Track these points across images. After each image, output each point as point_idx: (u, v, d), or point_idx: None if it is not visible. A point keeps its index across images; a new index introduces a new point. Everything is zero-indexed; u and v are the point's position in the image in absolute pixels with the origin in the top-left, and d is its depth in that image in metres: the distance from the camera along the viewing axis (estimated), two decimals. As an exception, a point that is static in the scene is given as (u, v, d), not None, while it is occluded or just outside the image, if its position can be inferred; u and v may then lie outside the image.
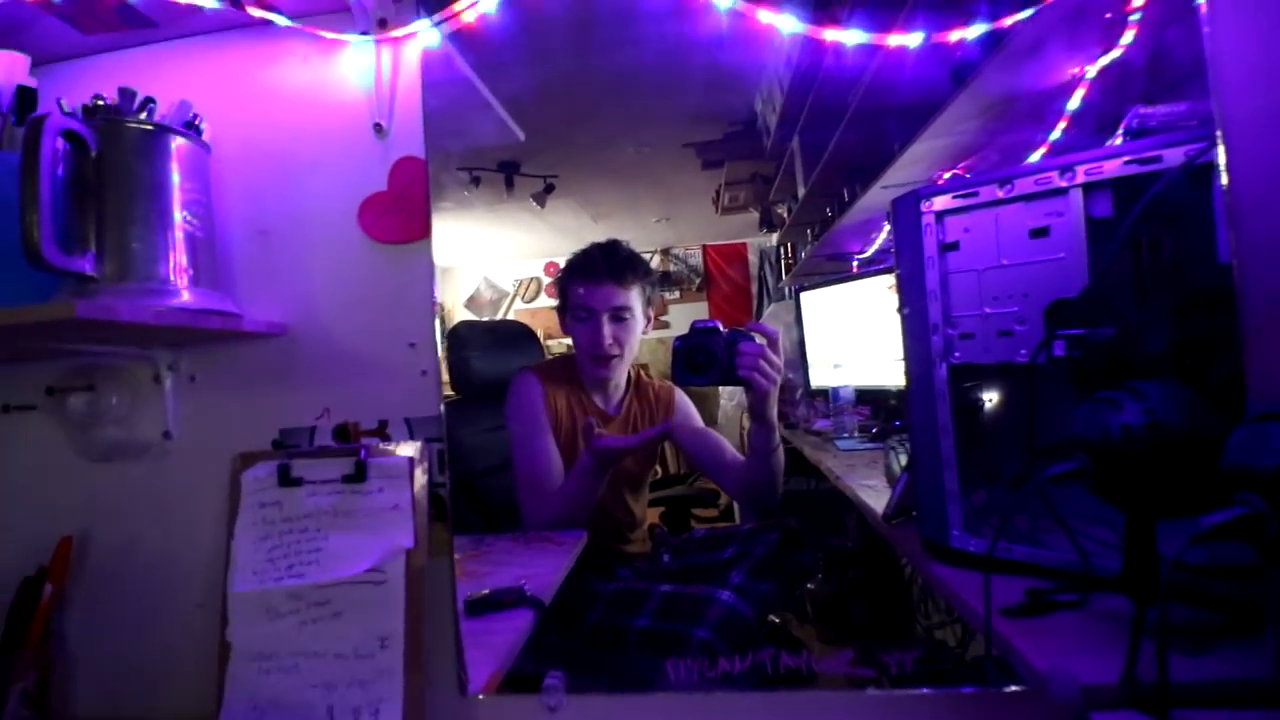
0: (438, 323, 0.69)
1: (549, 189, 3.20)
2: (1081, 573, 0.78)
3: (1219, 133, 0.59)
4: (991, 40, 0.74)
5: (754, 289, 4.45)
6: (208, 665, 0.67)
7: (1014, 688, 0.60)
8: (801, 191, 2.39)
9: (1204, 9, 0.60)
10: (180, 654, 0.72)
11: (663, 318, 4.61)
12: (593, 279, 1.31)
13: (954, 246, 0.91)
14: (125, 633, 0.74)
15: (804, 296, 2.34)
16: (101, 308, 0.49)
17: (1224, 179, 0.58)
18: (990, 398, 0.96)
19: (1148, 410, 0.63)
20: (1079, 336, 0.80)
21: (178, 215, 0.62)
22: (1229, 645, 0.65)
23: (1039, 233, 0.84)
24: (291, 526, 0.68)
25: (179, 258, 0.62)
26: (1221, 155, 0.59)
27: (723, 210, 3.56)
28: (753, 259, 4.46)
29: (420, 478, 0.67)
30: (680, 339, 1.14)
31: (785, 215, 2.94)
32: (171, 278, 0.61)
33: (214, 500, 0.72)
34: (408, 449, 0.68)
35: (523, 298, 4.58)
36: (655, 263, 4.59)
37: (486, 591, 0.92)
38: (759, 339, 1.17)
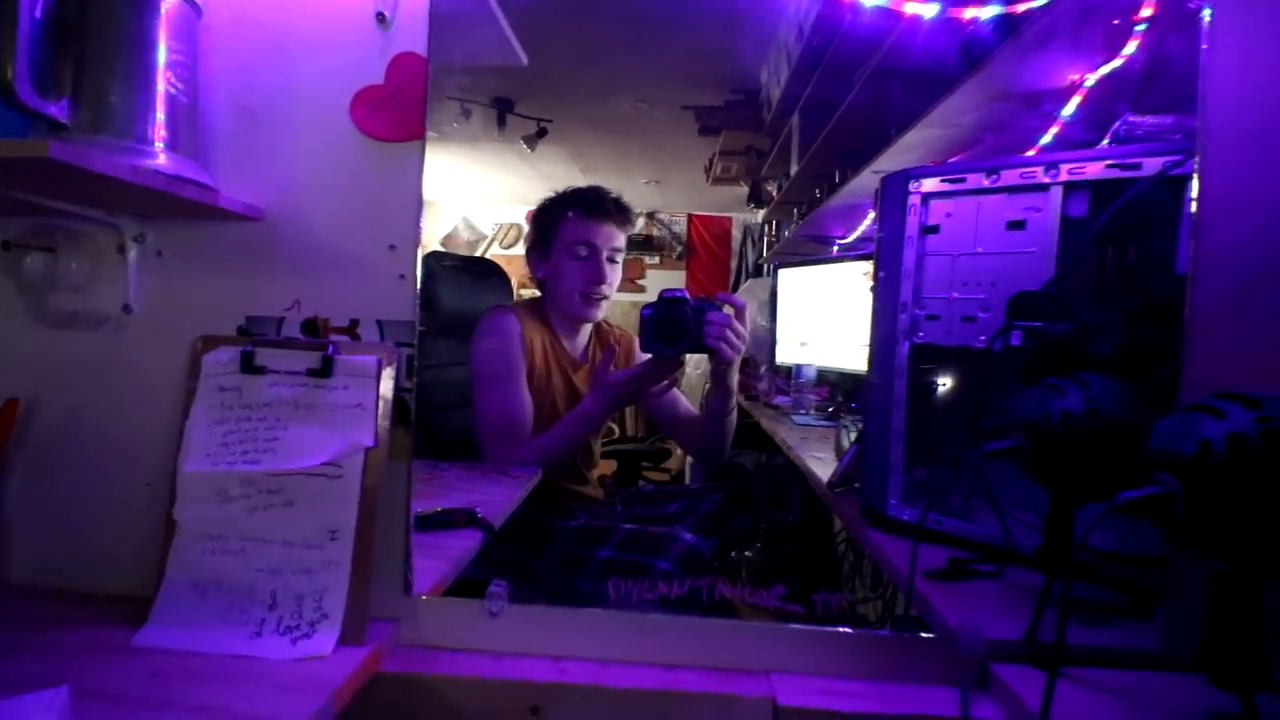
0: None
1: (541, 133, 3.12)
2: (1002, 547, 0.83)
3: (1199, 141, 0.61)
4: (1003, 25, 0.75)
5: (733, 264, 4.46)
6: (151, 544, 0.67)
7: (925, 635, 0.64)
8: (794, 169, 2.40)
9: (1206, 23, 0.62)
10: (124, 530, 0.71)
11: (639, 281, 4.61)
12: (596, 215, 1.30)
13: (934, 229, 0.94)
14: (67, 504, 0.73)
15: (781, 273, 2.37)
16: (75, 153, 0.48)
17: (1195, 187, 0.61)
18: (945, 381, 1.00)
19: (1089, 399, 0.67)
20: (1036, 329, 0.84)
21: (161, 76, 0.60)
22: (1125, 622, 0.71)
23: (1015, 225, 0.87)
24: (250, 414, 0.68)
25: (158, 119, 0.60)
26: (1197, 166, 0.61)
27: (714, 180, 3.54)
28: (736, 234, 4.47)
29: (387, 379, 0.67)
30: (649, 308, 1.15)
31: (774, 193, 2.95)
32: (149, 137, 0.59)
33: (171, 381, 0.71)
34: (377, 350, 0.68)
35: (501, 242, 4.50)
36: (640, 225, 4.56)
37: (438, 509, 0.94)
38: (726, 309, 1.20)
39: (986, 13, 0.69)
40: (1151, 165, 0.74)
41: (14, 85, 0.49)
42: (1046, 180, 0.83)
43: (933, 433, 0.98)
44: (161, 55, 0.59)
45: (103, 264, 0.71)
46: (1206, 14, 0.61)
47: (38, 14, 0.54)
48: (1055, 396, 0.69)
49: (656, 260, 4.76)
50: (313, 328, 0.69)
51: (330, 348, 0.67)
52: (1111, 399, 0.67)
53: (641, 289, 4.70)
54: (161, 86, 0.59)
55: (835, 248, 2.46)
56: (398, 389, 0.68)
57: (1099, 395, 0.67)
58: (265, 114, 0.68)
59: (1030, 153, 1.13)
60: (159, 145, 0.60)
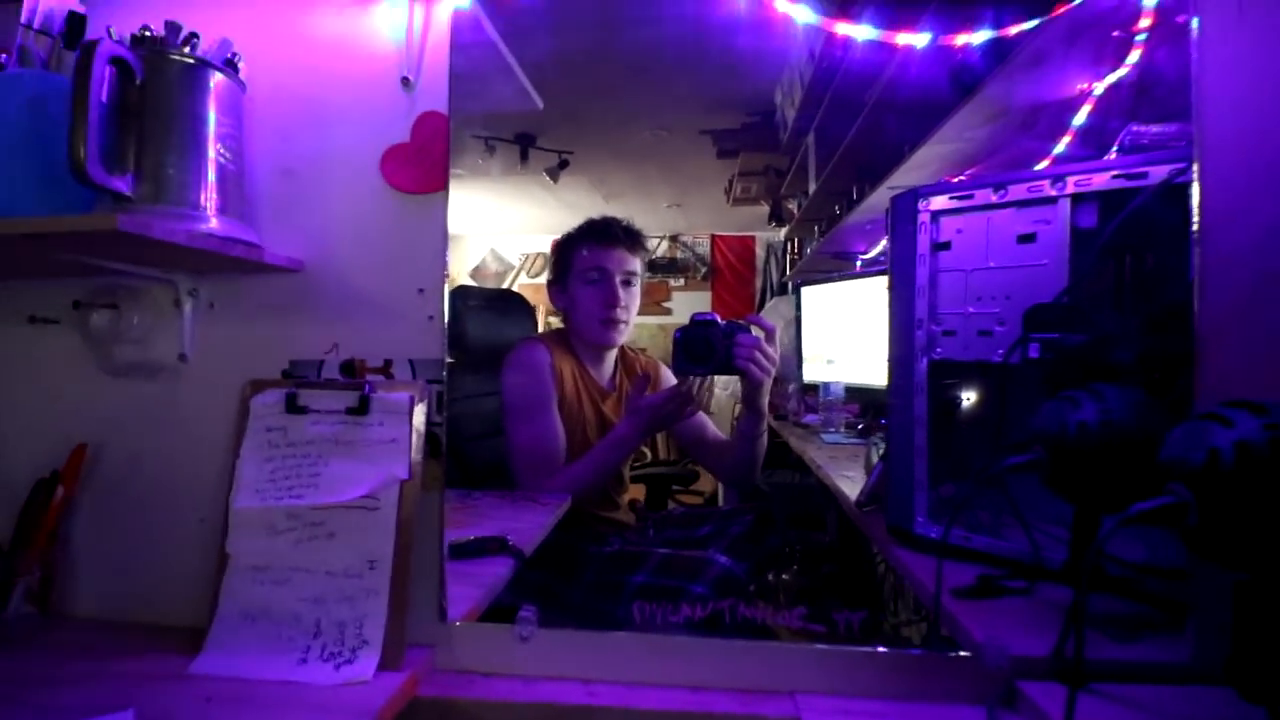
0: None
1: (563, 164, 3.21)
2: (1031, 563, 0.82)
3: (1195, 151, 0.62)
4: (995, 48, 0.77)
5: (758, 283, 4.47)
6: (205, 576, 0.72)
7: (951, 654, 0.64)
8: (812, 187, 2.42)
9: (1195, 33, 0.63)
10: (179, 563, 0.76)
11: (665, 304, 4.65)
12: (606, 242, 1.35)
13: (946, 246, 0.95)
14: (128, 540, 0.78)
15: (804, 291, 2.38)
16: (139, 224, 0.53)
17: (1195, 196, 0.62)
18: (968, 396, 1.00)
19: (1104, 410, 0.67)
20: (1052, 340, 0.84)
21: (212, 147, 0.66)
22: (1158, 636, 0.70)
23: (1026, 238, 0.87)
24: (294, 451, 0.73)
25: (210, 186, 0.66)
26: (1195, 175, 0.62)
27: (734, 201, 3.58)
28: (759, 252, 4.48)
29: (419, 415, 0.71)
30: (680, 330, 1.19)
31: (795, 211, 2.97)
32: (202, 204, 0.65)
33: (222, 422, 0.76)
34: (410, 388, 0.72)
35: (528, 272, 4.60)
36: (664, 248, 4.61)
37: (471, 538, 0.97)
38: (756, 331, 1.22)
39: (978, 38, 0.71)
40: (1157, 174, 0.75)
41: (86, 166, 0.55)
42: (1054, 193, 0.84)
43: (957, 448, 0.97)
44: (212, 129, 0.66)
45: (161, 317, 0.78)
46: (1195, 24, 0.63)
47: (104, 98, 0.60)
48: (1071, 409, 0.70)
49: (682, 282, 4.79)
50: (350, 368, 0.74)
51: (366, 387, 0.72)
52: (1128, 410, 0.67)
53: (668, 311, 4.73)
54: (212, 156, 0.66)
55: (858, 263, 2.46)
56: (429, 423, 0.72)
57: (1115, 407, 0.67)
58: (304, 174, 0.74)
59: (1045, 163, 1.14)
60: (211, 209, 0.66)
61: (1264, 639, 0.51)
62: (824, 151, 2.19)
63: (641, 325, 4.30)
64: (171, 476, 0.78)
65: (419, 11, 0.72)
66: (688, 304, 4.50)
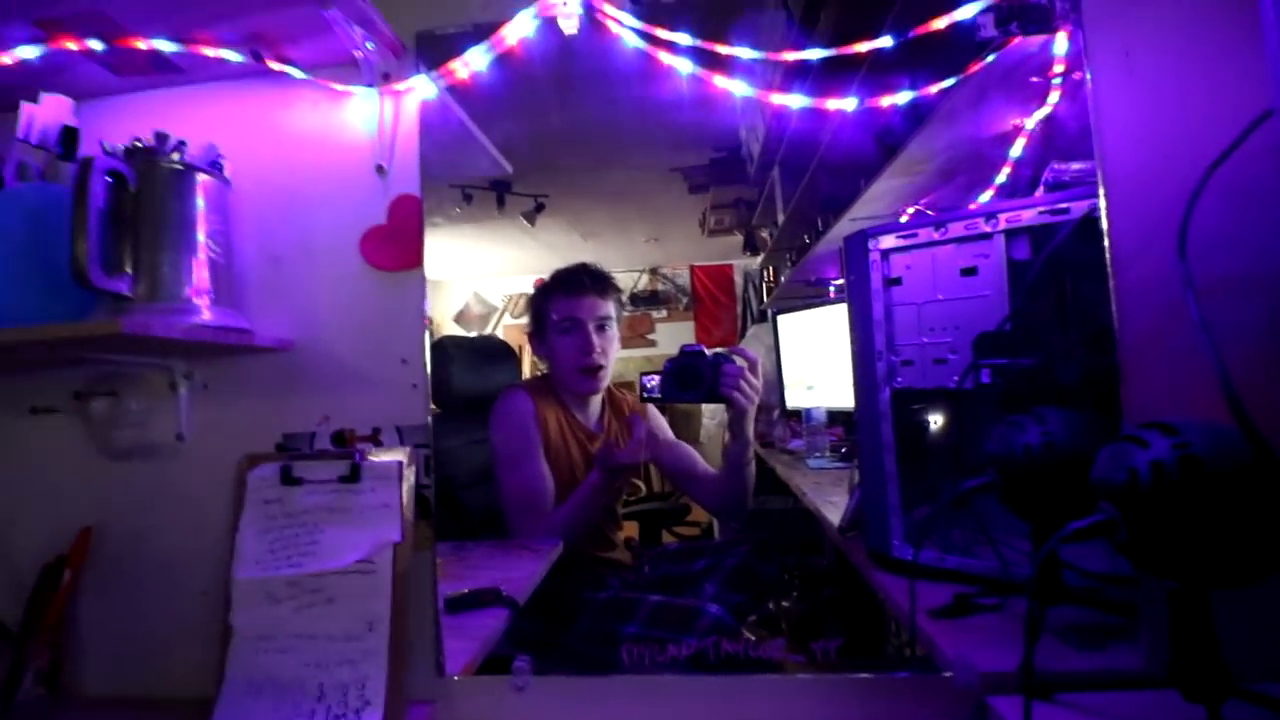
0: (427, 338, 0.77)
1: (539, 208, 3.28)
2: (1002, 579, 0.87)
3: (1101, 191, 0.69)
4: (913, 111, 0.84)
5: (739, 310, 4.54)
6: (210, 648, 0.75)
7: (925, 674, 0.68)
8: (781, 218, 2.50)
9: (1089, 85, 0.70)
10: (185, 637, 0.79)
11: (649, 336, 4.70)
12: (576, 292, 1.40)
13: (897, 281, 1.01)
14: (134, 617, 0.81)
15: (781, 319, 2.44)
16: (139, 324, 0.58)
17: (1105, 233, 0.68)
18: (935, 421, 1.06)
19: (1046, 432, 0.73)
20: (1001, 365, 0.90)
21: (201, 243, 0.71)
22: (1120, 643, 0.74)
23: (968, 271, 0.94)
24: (291, 521, 0.76)
25: (201, 280, 0.71)
26: (1103, 212, 0.69)
27: (709, 232, 3.67)
28: (738, 280, 4.57)
29: (408, 479, 0.75)
30: (670, 361, 1.27)
31: (768, 239, 3.05)
32: (194, 298, 0.70)
33: (221, 497, 0.79)
34: (398, 454, 0.76)
35: (511, 313, 4.65)
36: (644, 282, 4.69)
37: (465, 591, 1.00)
38: (740, 361, 1.29)
39: (902, 98, 0.78)
40: (1078, 209, 0.82)
41: (88, 271, 0.60)
42: (989, 229, 0.91)
43: (929, 472, 1.02)
44: (201, 227, 0.71)
45: (157, 400, 0.82)
46: (1089, 77, 0.70)
47: (100, 204, 0.65)
48: (1017, 432, 0.75)
49: (664, 314, 4.85)
50: (341, 439, 0.78)
51: (357, 455, 0.76)
52: (1067, 431, 0.72)
53: (653, 343, 4.78)
54: (202, 251, 0.71)
55: (832, 289, 2.53)
56: (418, 486, 0.76)
57: (1055, 429, 0.72)
58: (289, 259, 0.79)
59: (989, 193, 1.21)
60: (204, 302, 0.70)
61: (1196, 643, 0.56)
62: (789, 183, 2.27)
63: (628, 358, 4.34)
64: (173, 553, 0.81)
65: (389, 104, 0.78)
66: (672, 335, 4.56)
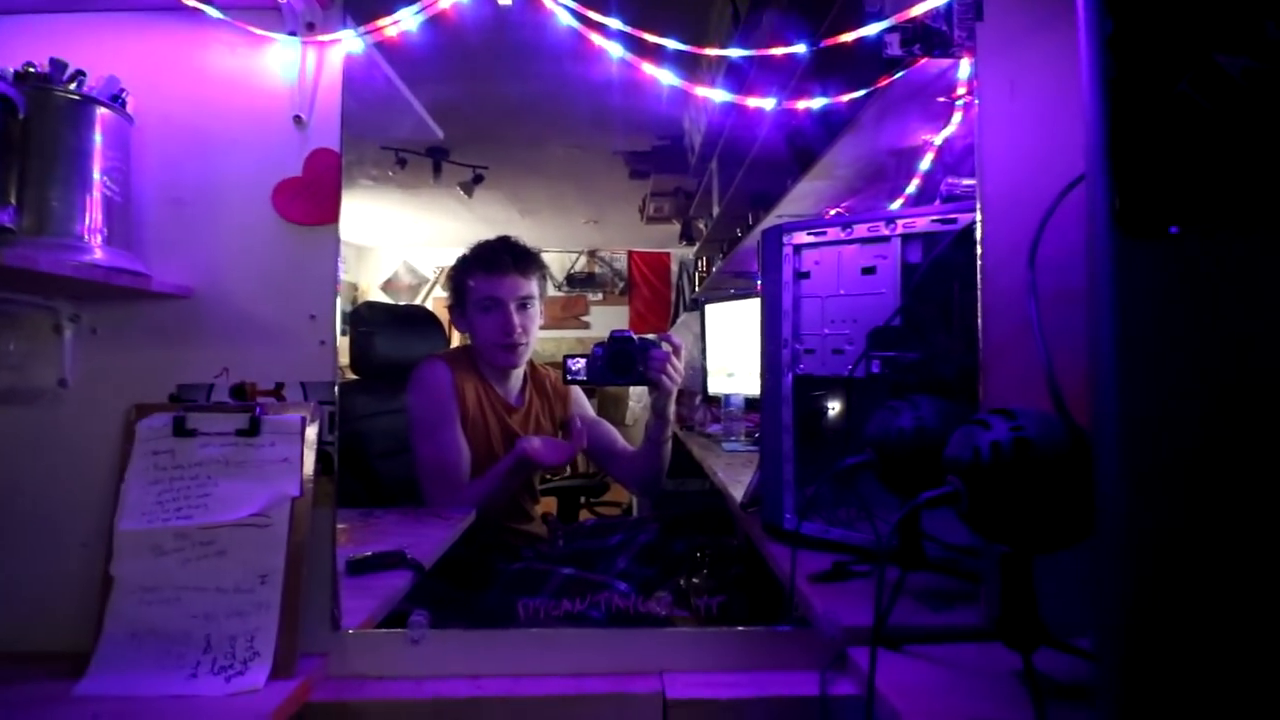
0: (350, 302, 0.77)
1: (478, 179, 3.22)
2: (875, 549, 0.95)
3: (978, 205, 0.76)
4: (825, 119, 0.89)
5: (672, 297, 4.62)
6: (89, 601, 0.72)
7: (796, 628, 0.75)
8: (716, 210, 2.57)
9: (976, 108, 0.77)
10: (62, 590, 0.76)
11: (584, 318, 4.71)
12: (497, 270, 1.40)
13: (806, 275, 1.08)
14: (5, 569, 0.77)
15: (708, 308, 2.52)
16: (24, 258, 0.55)
17: (979, 243, 0.76)
18: (832, 407, 1.13)
19: (918, 417, 0.80)
20: (890, 358, 0.98)
21: (97, 180, 0.68)
22: (967, 605, 0.83)
23: (868, 270, 1.01)
24: (183, 473, 0.75)
25: (95, 218, 0.68)
26: (979, 224, 0.76)
27: (648, 219, 3.71)
28: (674, 269, 4.64)
29: (311, 435, 0.75)
30: (601, 346, 1.32)
31: (703, 230, 3.12)
32: (86, 236, 0.67)
33: (106, 448, 0.77)
34: (302, 409, 0.76)
35: (443, 285, 4.54)
36: (582, 263, 4.68)
37: (369, 553, 1.00)
38: (666, 347, 1.34)
39: (816, 104, 0.83)
40: (964, 220, 0.90)
41: (-37, 199, 0.57)
42: (888, 233, 0.98)
43: (823, 454, 1.10)
44: (97, 163, 0.68)
45: (39, 342, 0.78)
46: (977, 102, 0.77)
47: (-18, 131, 0.62)
48: (893, 416, 0.83)
49: (600, 297, 4.87)
50: (241, 392, 0.77)
51: (257, 409, 0.75)
52: (938, 417, 0.80)
53: (586, 325, 4.79)
54: (97, 191, 0.68)
55: (759, 282, 2.62)
56: (321, 443, 0.76)
57: (926, 414, 0.80)
58: (194, 204, 0.77)
59: (900, 202, 1.30)
60: (96, 241, 0.67)
61: (1019, 600, 0.64)
62: (726, 177, 2.34)
63: (561, 339, 4.34)
64: (52, 503, 0.77)
65: (311, 55, 0.77)
66: (605, 317, 4.59)
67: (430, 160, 2.92)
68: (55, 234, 0.65)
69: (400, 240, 4.31)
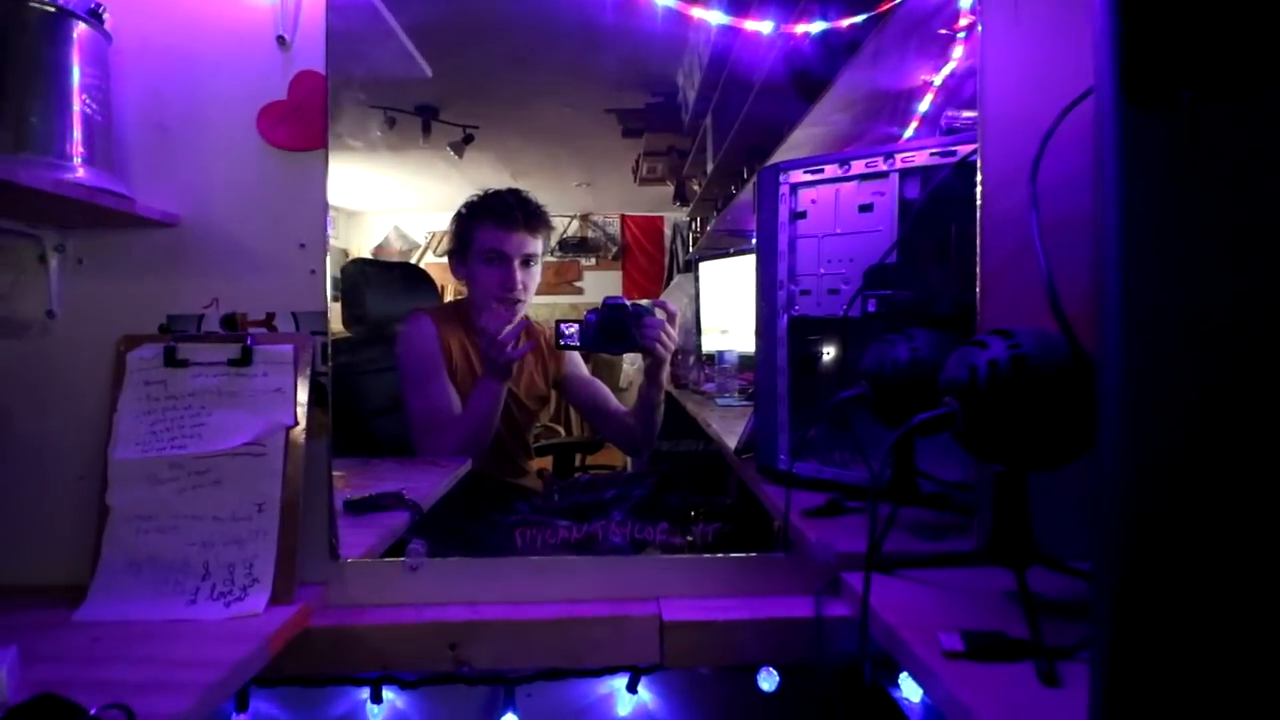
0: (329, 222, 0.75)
1: (468, 139, 3.16)
2: (868, 486, 0.96)
3: (980, 132, 0.75)
4: (823, 41, 0.87)
5: (666, 261, 4.58)
6: (86, 533, 0.72)
7: (790, 554, 0.75)
8: (710, 167, 2.53)
9: (980, 33, 0.76)
10: (58, 522, 0.75)
11: (577, 283, 4.68)
12: (507, 224, 1.38)
13: (803, 215, 1.07)
14: (1, 503, 0.77)
15: (702, 266, 2.50)
16: (3, 171, 0.54)
17: (979, 168, 0.75)
18: (827, 350, 1.13)
19: (913, 349, 0.80)
20: (885, 296, 0.97)
21: (76, 97, 0.66)
22: (959, 537, 0.85)
23: (865, 208, 1.00)
24: (175, 403, 0.74)
25: (76, 137, 0.66)
26: (980, 149, 0.75)
27: (641, 180, 3.65)
28: (667, 232, 4.59)
29: (304, 365, 0.74)
30: (594, 313, 1.29)
31: (698, 190, 3.08)
32: (68, 154, 0.65)
33: (97, 379, 0.76)
34: (293, 339, 0.75)
35: (434, 250, 4.50)
36: (575, 228, 4.63)
37: (368, 494, 1.01)
38: (659, 314, 1.33)
39: (815, 28, 0.81)
40: (963, 152, 0.89)
41: (-65, 110, 0.55)
42: (885, 168, 0.97)
43: (817, 396, 1.10)
44: (76, 79, 0.65)
45: (24, 273, 0.76)
46: (980, 27, 0.75)
47: (-45, 45, 0.59)
48: (888, 349, 0.83)
49: (593, 262, 4.82)
50: (231, 322, 0.76)
51: (249, 339, 0.74)
52: (932, 347, 0.80)
53: (579, 290, 4.76)
54: (77, 107, 0.65)
55: (754, 239, 2.60)
56: (314, 373, 0.75)
57: (921, 346, 0.80)
58: (177, 128, 0.75)
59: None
60: (78, 160, 0.65)
61: (1012, 518, 0.65)
62: (721, 133, 2.30)
63: (554, 304, 4.31)
64: (44, 436, 0.77)
65: (294, -28, 0.74)
66: (599, 282, 4.55)
67: (419, 119, 2.86)
68: (35, 151, 0.63)
69: (390, 205, 4.24)
